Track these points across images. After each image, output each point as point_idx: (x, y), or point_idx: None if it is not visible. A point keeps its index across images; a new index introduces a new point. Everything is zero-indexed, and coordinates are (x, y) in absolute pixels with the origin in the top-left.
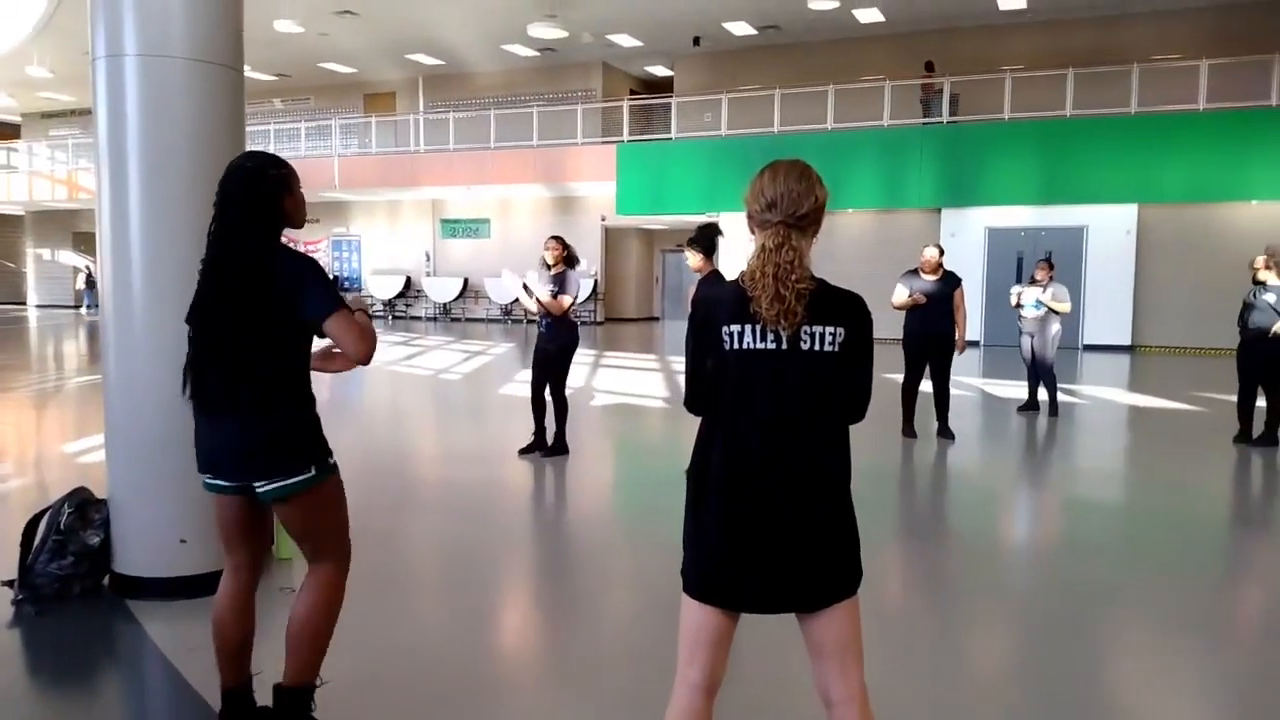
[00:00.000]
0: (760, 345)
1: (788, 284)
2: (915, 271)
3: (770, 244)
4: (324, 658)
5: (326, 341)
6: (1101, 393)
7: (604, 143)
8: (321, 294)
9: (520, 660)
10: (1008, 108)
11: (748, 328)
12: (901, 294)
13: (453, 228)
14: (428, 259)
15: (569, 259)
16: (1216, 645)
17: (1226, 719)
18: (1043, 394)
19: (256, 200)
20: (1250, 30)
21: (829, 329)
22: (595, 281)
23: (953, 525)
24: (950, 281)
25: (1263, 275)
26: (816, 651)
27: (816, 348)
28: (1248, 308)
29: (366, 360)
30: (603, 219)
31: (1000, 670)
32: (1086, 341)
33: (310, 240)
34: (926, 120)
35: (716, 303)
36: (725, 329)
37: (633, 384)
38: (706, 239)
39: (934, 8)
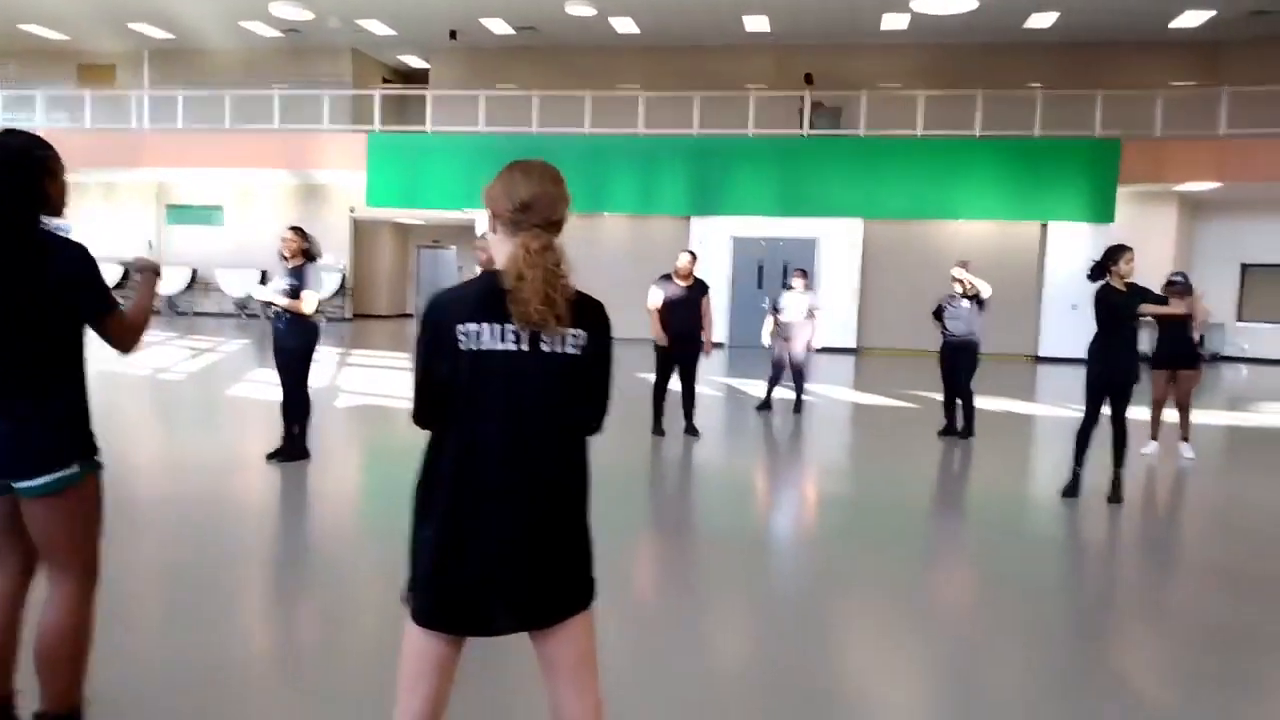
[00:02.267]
0: (499, 346)
1: (557, 287)
2: (669, 276)
3: (535, 246)
4: (85, 678)
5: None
6: (832, 391)
7: (354, 131)
8: (98, 294)
9: (255, 685)
10: (751, 123)
11: (486, 326)
12: (656, 297)
13: (180, 214)
14: (150, 247)
15: (308, 252)
16: (934, 622)
17: (942, 690)
18: (781, 393)
19: (17, 183)
20: (961, 67)
21: (571, 331)
22: (343, 276)
23: (698, 519)
24: (700, 288)
25: (957, 287)
26: (550, 670)
27: (558, 350)
28: (942, 313)
29: (131, 352)
30: (352, 210)
31: (745, 661)
32: (818, 345)
33: None
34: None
35: (452, 302)
36: (460, 328)
37: (382, 384)
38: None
39: (686, 25)
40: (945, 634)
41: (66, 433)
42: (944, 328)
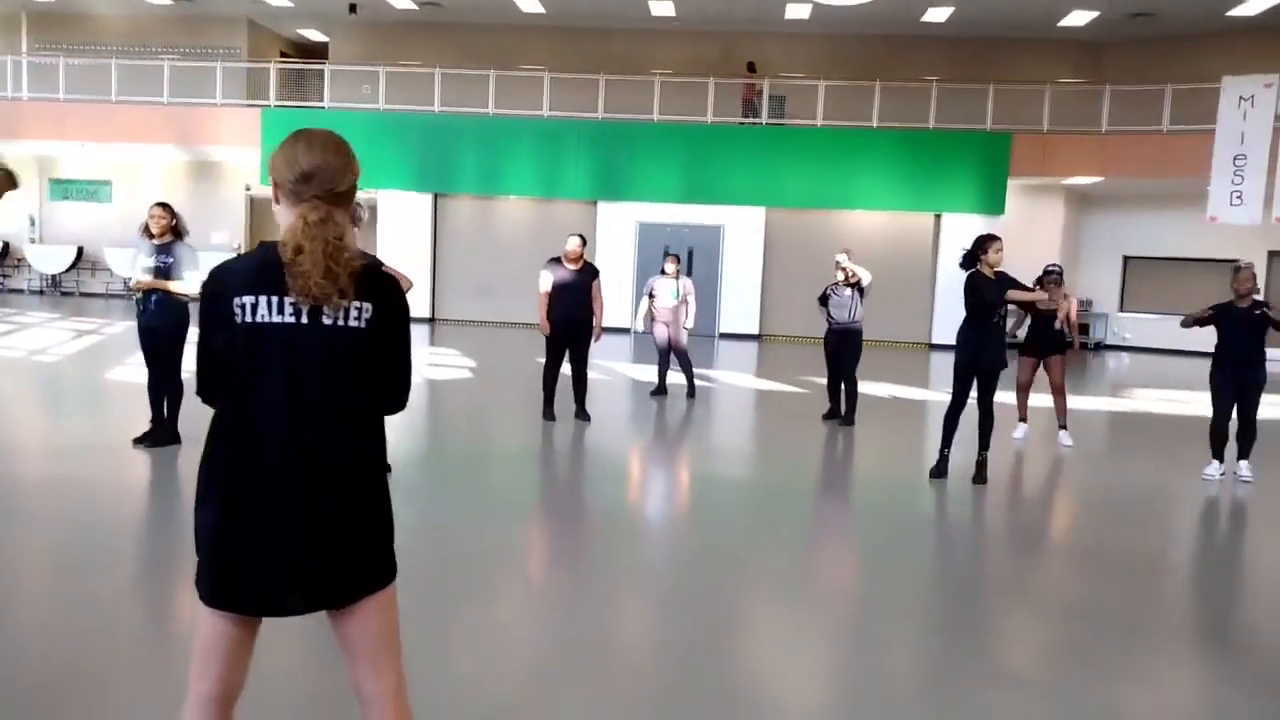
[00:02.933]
0: (276, 318)
1: (339, 260)
2: (558, 260)
3: (313, 218)
4: None
5: None
6: (729, 377)
7: (248, 106)
8: None
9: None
10: (656, 109)
11: (263, 299)
12: (546, 281)
13: (65, 189)
14: (32, 224)
15: (176, 229)
16: (811, 601)
17: (823, 665)
18: (676, 378)
19: None
20: (860, 57)
21: (355, 304)
22: (237, 255)
23: (587, 503)
24: (590, 272)
25: (840, 275)
26: (347, 649)
27: (340, 322)
28: (827, 300)
29: None
30: (247, 188)
31: (632, 641)
32: (722, 330)
33: None
34: (743, 120)
35: (230, 272)
36: (237, 300)
37: None
38: (353, 213)
39: (591, 7)
40: (822, 613)
41: None
42: (829, 315)
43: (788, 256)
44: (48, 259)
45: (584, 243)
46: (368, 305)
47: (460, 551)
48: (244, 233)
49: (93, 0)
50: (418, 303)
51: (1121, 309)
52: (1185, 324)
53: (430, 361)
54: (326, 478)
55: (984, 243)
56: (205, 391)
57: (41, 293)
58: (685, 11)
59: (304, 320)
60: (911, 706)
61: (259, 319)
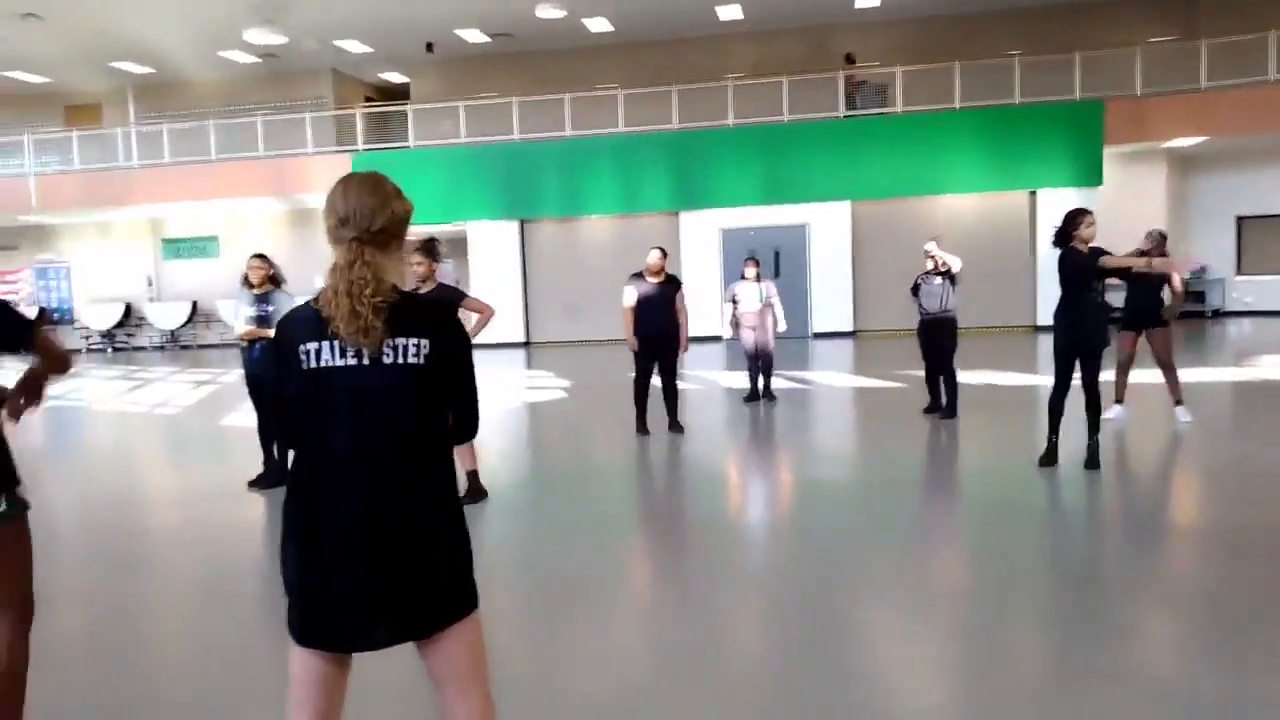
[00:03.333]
0: (339, 362)
1: (363, 300)
2: (641, 275)
3: (343, 260)
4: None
5: None
6: (825, 377)
7: (338, 152)
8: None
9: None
10: (731, 114)
11: (325, 344)
12: (631, 296)
13: (176, 248)
14: (149, 284)
15: (274, 278)
16: (927, 606)
17: (949, 671)
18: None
19: None
20: (938, 40)
21: (412, 340)
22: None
23: (686, 513)
24: (672, 284)
25: (929, 264)
26: (435, 677)
27: (399, 360)
28: (918, 290)
29: None
30: None
31: (751, 653)
32: (815, 330)
33: (7, 270)
34: (850, 113)
35: (294, 322)
36: (302, 348)
37: None
38: (430, 248)
39: (658, 20)
40: (937, 614)
41: None
42: (920, 305)
43: (878, 249)
44: (165, 316)
45: (664, 255)
46: (424, 341)
47: (563, 567)
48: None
49: (188, 68)
50: (510, 328)
51: (1239, 272)
52: None
53: (527, 384)
54: (397, 513)
55: (1075, 218)
56: (285, 436)
57: (162, 348)
58: (753, 12)
59: (366, 362)
60: (1037, 712)
61: (323, 364)
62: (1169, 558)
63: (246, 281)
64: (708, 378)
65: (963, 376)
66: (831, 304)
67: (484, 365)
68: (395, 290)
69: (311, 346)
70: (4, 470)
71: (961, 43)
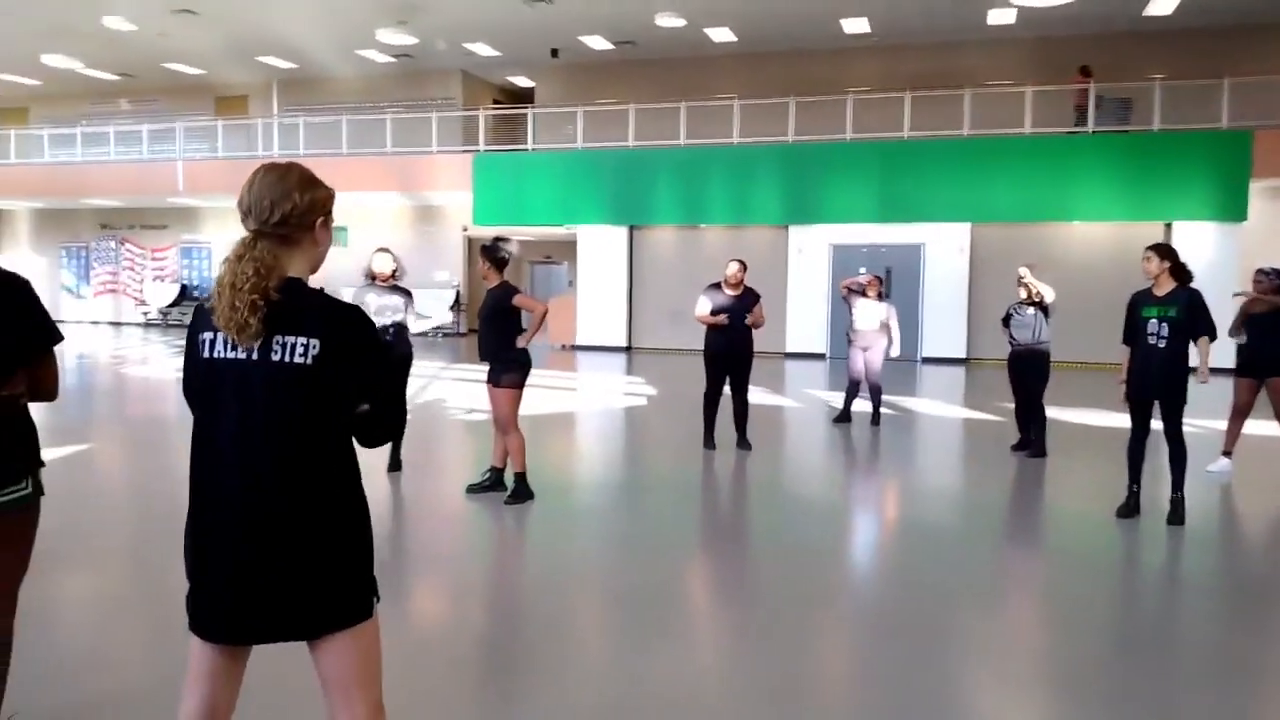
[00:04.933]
0: (230, 355)
1: (242, 295)
2: (718, 285)
3: (233, 254)
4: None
5: None
6: (924, 405)
7: (460, 152)
8: (38, 326)
9: None
10: (849, 128)
11: (219, 335)
12: (704, 306)
13: None
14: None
15: (396, 272)
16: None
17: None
18: (860, 405)
19: None
20: (1071, 60)
21: (300, 340)
22: (457, 292)
23: (751, 535)
24: (750, 297)
25: (1022, 292)
26: (321, 680)
27: (286, 359)
28: (1009, 320)
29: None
30: (465, 229)
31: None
32: (925, 354)
33: (157, 247)
34: (1073, 130)
35: (201, 310)
36: (201, 336)
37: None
38: (493, 251)
39: (782, 31)
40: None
41: (11, 455)
42: (1010, 336)
43: (997, 274)
44: None
45: (744, 268)
46: (314, 341)
47: (595, 576)
48: (462, 271)
49: (329, 64)
50: (613, 332)
51: None
52: None
53: (616, 389)
54: (273, 512)
55: None
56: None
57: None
58: (880, 26)
59: (254, 357)
60: None
61: (215, 355)
62: (1249, 633)
63: (370, 273)
64: (808, 394)
65: (1064, 414)
66: (944, 329)
67: (584, 368)
68: (291, 286)
69: (208, 336)
70: (30, 452)
71: (1096, 63)
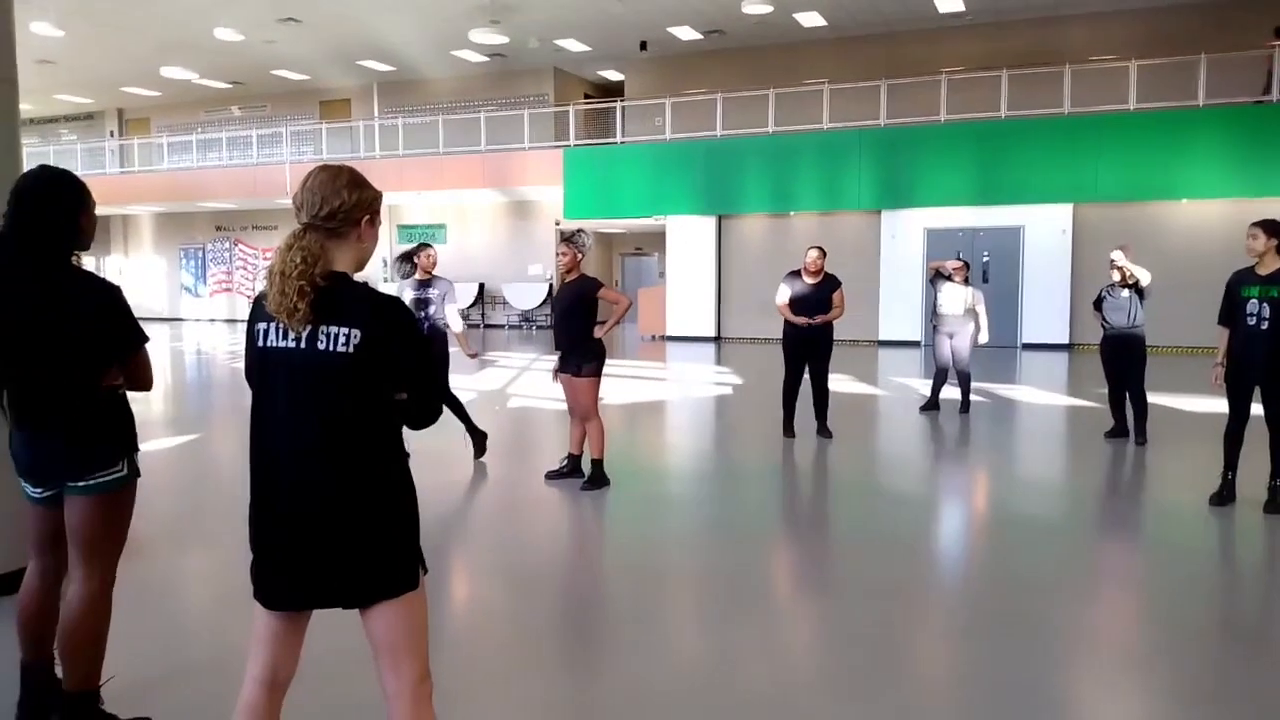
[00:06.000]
0: (281, 344)
1: (290, 281)
2: (798, 273)
3: (283, 244)
4: (103, 660)
5: None
6: (1021, 392)
7: (551, 147)
8: (127, 329)
9: None
10: (944, 109)
11: (272, 325)
12: (784, 294)
13: (410, 234)
14: (385, 265)
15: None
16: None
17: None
18: (948, 393)
19: (54, 215)
20: (1178, 33)
21: (343, 329)
22: (550, 285)
23: (828, 523)
24: (830, 284)
25: (1115, 275)
26: (371, 646)
27: (330, 348)
28: (1102, 303)
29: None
30: (557, 223)
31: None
32: (1025, 340)
33: (268, 247)
34: (1259, 99)
35: (259, 301)
36: (257, 325)
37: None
38: (573, 241)
39: (874, 12)
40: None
41: (106, 436)
42: (1103, 319)
43: (1100, 256)
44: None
45: (823, 255)
46: (355, 331)
47: (679, 569)
48: (554, 265)
49: (426, 66)
50: (703, 322)
51: None
52: None
53: (704, 379)
54: (321, 489)
55: None
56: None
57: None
58: (976, 4)
59: (302, 346)
60: None
61: (269, 343)
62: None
63: (415, 268)
64: (898, 382)
65: (1176, 400)
66: (1045, 313)
67: (673, 359)
68: (336, 277)
69: (262, 326)
70: (127, 436)
71: (1206, 34)
